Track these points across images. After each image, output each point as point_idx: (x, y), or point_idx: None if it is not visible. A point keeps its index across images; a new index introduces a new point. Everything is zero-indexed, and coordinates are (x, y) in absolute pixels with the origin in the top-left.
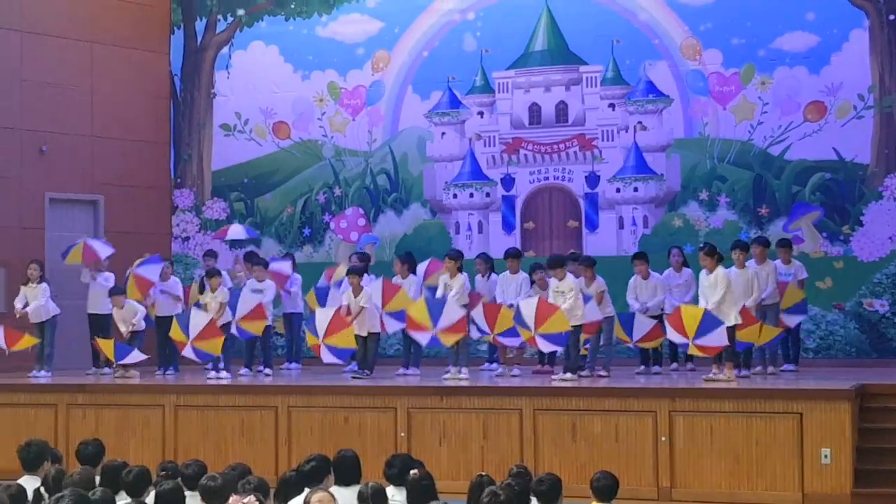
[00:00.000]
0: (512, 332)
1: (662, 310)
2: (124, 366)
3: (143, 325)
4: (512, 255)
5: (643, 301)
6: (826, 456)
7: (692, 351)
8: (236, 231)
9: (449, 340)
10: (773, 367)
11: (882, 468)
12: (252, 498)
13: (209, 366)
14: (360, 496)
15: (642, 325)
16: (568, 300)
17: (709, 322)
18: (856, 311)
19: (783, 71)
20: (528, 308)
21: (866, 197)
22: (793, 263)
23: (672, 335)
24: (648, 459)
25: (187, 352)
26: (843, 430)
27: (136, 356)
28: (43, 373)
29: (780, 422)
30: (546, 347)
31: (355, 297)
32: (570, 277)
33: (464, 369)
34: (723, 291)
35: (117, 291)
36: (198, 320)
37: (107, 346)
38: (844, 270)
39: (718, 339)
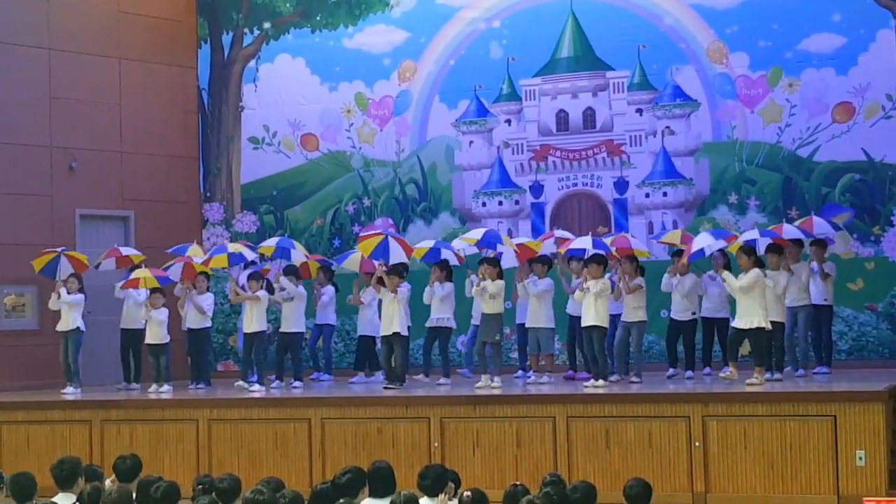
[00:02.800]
0: None
1: (694, 313)
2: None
3: (167, 337)
4: (541, 261)
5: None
6: (861, 458)
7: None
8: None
9: None
10: (804, 370)
11: None
12: None
13: (243, 379)
14: None
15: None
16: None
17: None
18: (888, 311)
19: (810, 73)
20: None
21: None
22: (827, 264)
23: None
24: (682, 465)
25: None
26: (877, 431)
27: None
28: (70, 389)
29: (814, 425)
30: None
31: (392, 292)
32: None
33: (496, 378)
34: (751, 281)
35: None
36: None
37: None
38: (875, 271)
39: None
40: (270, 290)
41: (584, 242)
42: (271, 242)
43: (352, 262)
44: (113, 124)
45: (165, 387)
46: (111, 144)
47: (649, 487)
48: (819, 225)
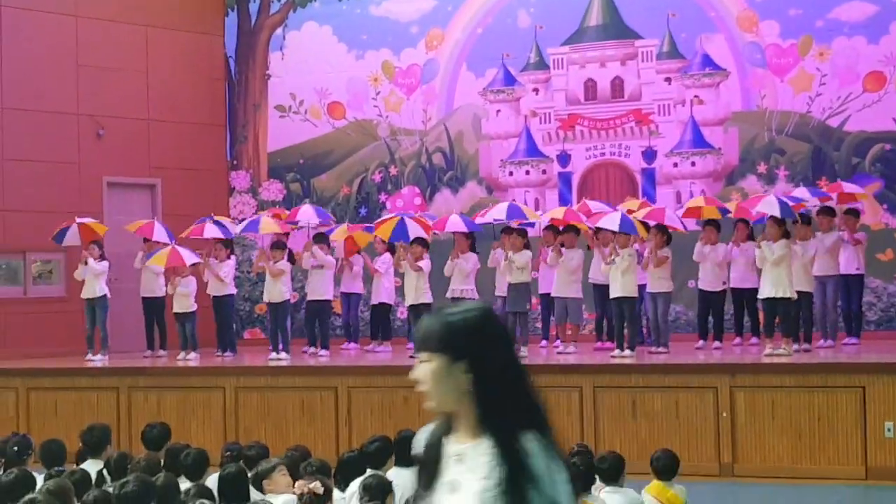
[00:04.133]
0: None
1: (724, 283)
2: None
3: (194, 306)
4: (570, 229)
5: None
6: (889, 429)
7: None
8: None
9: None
10: (832, 341)
11: None
12: (318, 483)
13: (270, 347)
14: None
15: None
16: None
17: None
18: None
19: (841, 41)
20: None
21: None
22: (858, 233)
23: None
24: (709, 435)
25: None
26: None
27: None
28: (98, 356)
29: (842, 396)
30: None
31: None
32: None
33: (523, 347)
34: (784, 252)
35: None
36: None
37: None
38: None
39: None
40: (292, 260)
41: (613, 220)
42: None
43: (338, 233)
44: (140, 92)
45: (192, 354)
46: (138, 112)
47: (677, 458)
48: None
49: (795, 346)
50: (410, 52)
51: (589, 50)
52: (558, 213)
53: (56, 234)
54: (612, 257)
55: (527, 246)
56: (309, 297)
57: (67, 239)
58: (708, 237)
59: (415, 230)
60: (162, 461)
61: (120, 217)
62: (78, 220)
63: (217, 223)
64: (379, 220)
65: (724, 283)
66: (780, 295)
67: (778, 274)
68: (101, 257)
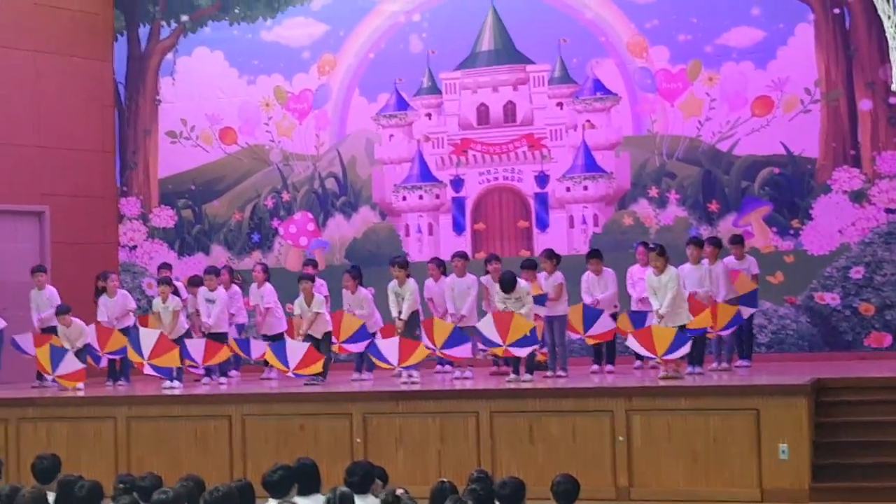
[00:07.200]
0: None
1: (616, 306)
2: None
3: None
4: (460, 256)
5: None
6: (784, 451)
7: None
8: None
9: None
10: (726, 363)
11: (840, 462)
12: None
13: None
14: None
15: (603, 324)
16: (526, 305)
17: (590, 315)
18: (807, 304)
19: (730, 66)
20: (487, 326)
21: (815, 191)
22: (745, 259)
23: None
24: (606, 459)
25: (148, 371)
26: (800, 425)
27: (72, 364)
28: None
29: (736, 418)
30: (522, 353)
31: (308, 304)
32: (523, 284)
33: (415, 372)
34: (674, 291)
35: (63, 310)
36: (148, 339)
37: (42, 356)
38: (795, 264)
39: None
40: (176, 294)
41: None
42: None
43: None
44: (29, 118)
45: (80, 384)
46: (26, 138)
47: (577, 483)
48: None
49: (689, 369)
50: (302, 77)
51: (481, 75)
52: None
53: None
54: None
55: (408, 276)
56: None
57: None
58: (595, 270)
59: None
60: (54, 494)
61: (7, 245)
62: None
63: None
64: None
65: (616, 306)
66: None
67: (669, 302)
68: None
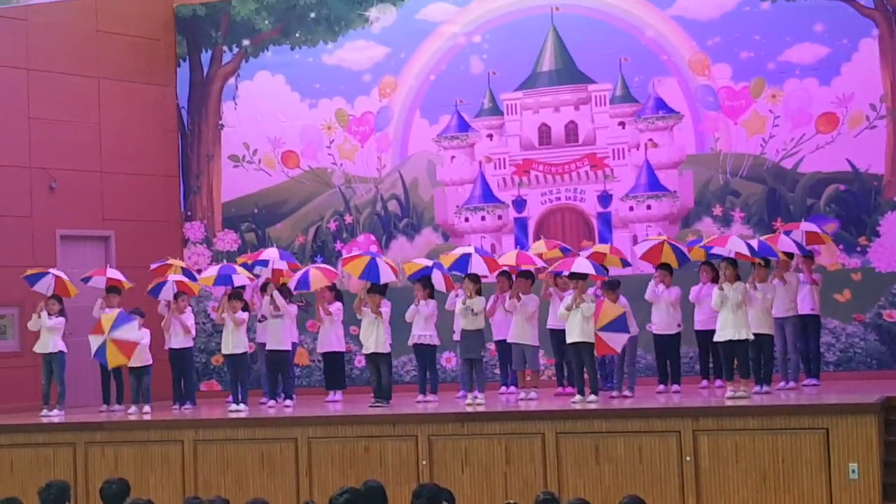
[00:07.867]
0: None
1: (679, 325)
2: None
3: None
4: (524, 275)
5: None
6: (854, 471)
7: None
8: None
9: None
10: (794, 382)
11: None
12: None
13: (229, 399)
14: None
15: (618, 337)
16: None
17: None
18: (875, 322)
19: (793, 83)
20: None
21: (882, 207)
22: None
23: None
24: (673, 480)
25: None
26: (870, 444)
27: (131, 333)
28: (55, 411)
29: (805, 438)
30: (614, 343)
31: (375, 313)
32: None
33: (479, 394)
34: (744, 294)
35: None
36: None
37: (107, 318)
38: (862, 282)
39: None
40: (246, 309)
41: (585, 265)
42: (212, 272)
43: (316, 281)
44: (92, 144)
45: (146, 408)
46: (91, 164)
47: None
48: (784, 242)
49: (756, 389)
50: (364, 99)
51: (542, 95)
52: (510, 257)
53: (32, 276)
54: (578, 303)
55: (479, 291)
56: (269, 347)
57: (39, 285)
58: (662, 278)
59: (386, 273)
60: None
61: (73, 270)
62: (54, 272)
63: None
64: (346, 255)
65: (679, 325)
66: (739, 337)
67: (737, 316)
68: (60, 312)
